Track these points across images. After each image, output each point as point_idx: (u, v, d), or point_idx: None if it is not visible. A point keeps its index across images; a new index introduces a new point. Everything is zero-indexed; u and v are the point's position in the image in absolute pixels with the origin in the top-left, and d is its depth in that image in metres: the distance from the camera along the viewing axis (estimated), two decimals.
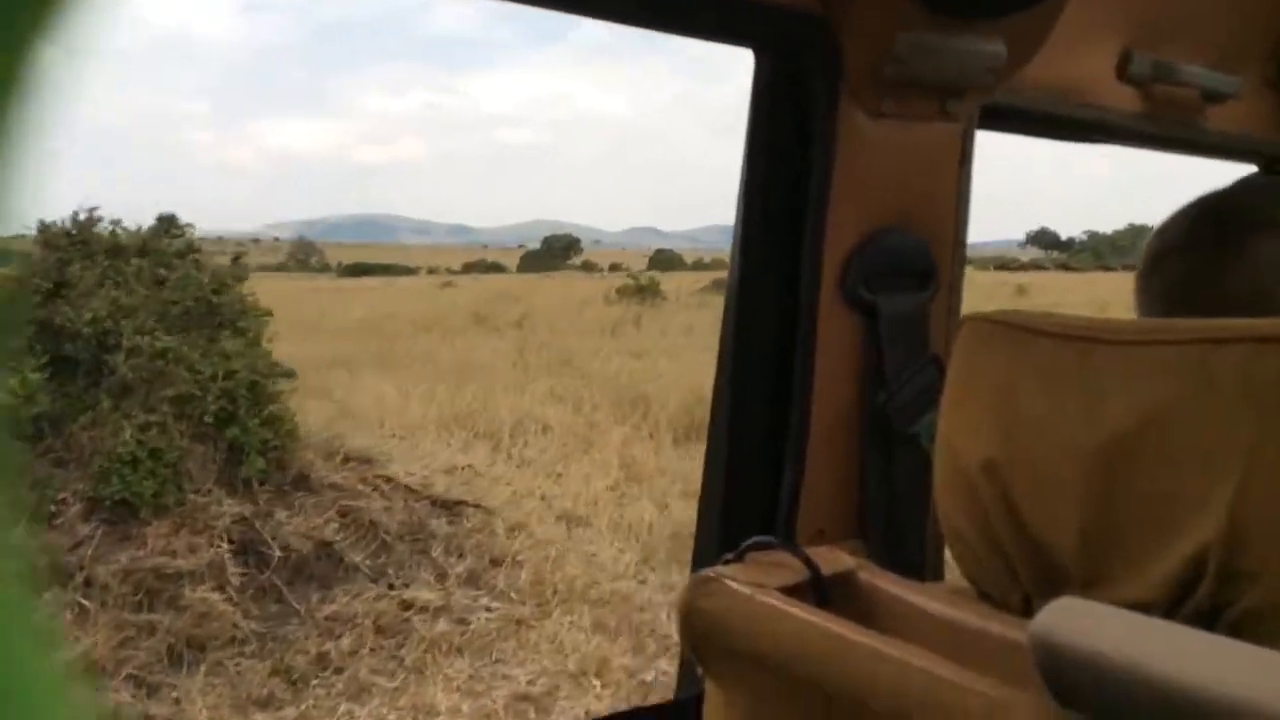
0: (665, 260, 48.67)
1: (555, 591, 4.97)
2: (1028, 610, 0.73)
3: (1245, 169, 1.56)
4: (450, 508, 5.39)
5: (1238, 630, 0.59)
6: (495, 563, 5.09)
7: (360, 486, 5.03)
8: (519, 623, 4.71)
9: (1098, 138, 1.41)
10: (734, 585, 0.78)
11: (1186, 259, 0.91)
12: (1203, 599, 0.64)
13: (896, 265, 1.21)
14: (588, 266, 55.60)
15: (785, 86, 1.16)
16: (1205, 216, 0.92)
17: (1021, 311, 0.78)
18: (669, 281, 24.38)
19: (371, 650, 4.35)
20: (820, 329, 1.18)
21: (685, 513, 6.08)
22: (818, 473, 1.20)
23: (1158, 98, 1.32)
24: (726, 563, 0.83)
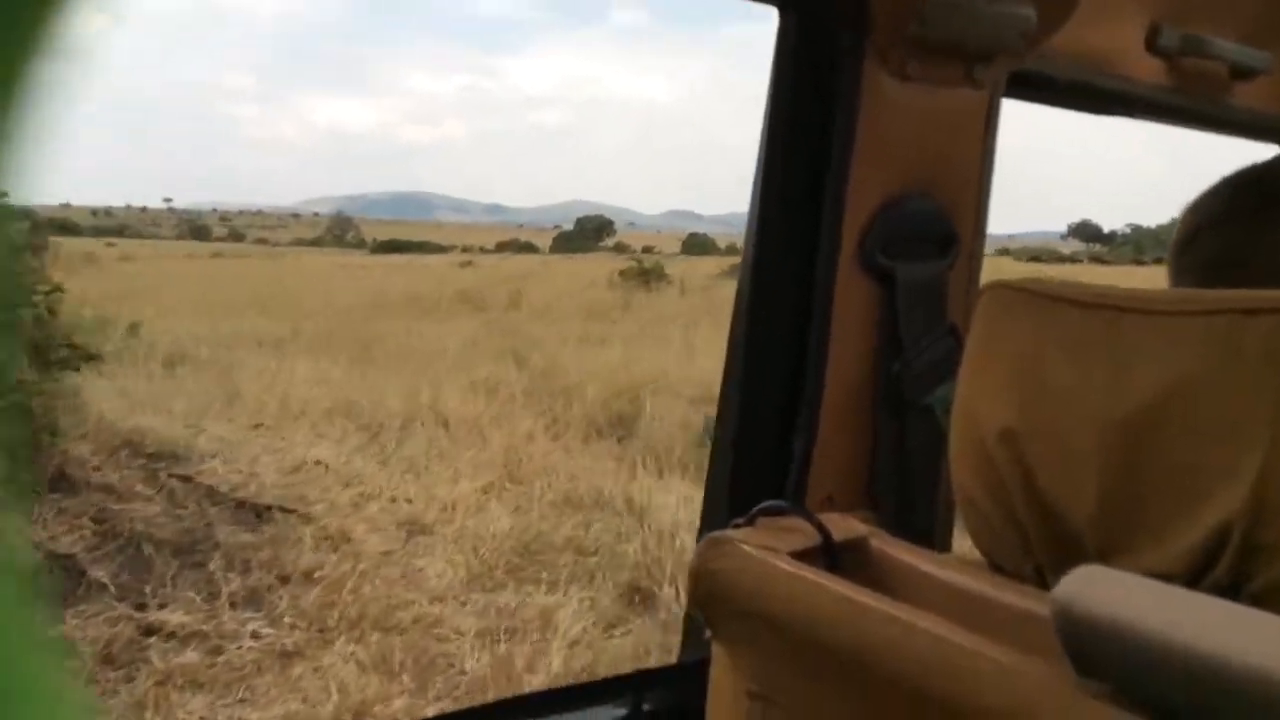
0: (698, 244, 48.23)
1: (344, 616, 4.33)
2: (1040, 581, 0.74)
3: (1267, 149, 1.55)
4: (260, 513, 4.79)
5: (1259, 604, 0.57)
6: (285, 579, 4.45)
7: (141, 488, 4.46)
8: (287, 653, 4.07)
9: (1123, 110, 1.39)
10: (746, 548, 0.78)
11: (1224, 232, 0.88)
12: (1223, 572, 0.63)
13: (917, 232, 1.18)
14: (620, 248, 55.63)
15: (809, 47, 1.13)
16: (1246, 189, 0.90)
17: (1045, 279, 0.76)
18: (686, 265, 23.99)
19: (90, 683, 3.74)
20: (837, 295, 1.16)
21: (548, 521, 5.40)
22: (829, 439, 1.18)
23: (1185, 71, 1.31)
24: (737, 526, 0.83)
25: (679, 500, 5.29)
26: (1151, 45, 1.26)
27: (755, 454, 1.21)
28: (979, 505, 0.78)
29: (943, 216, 1.20)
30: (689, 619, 1.28)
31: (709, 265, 26.81)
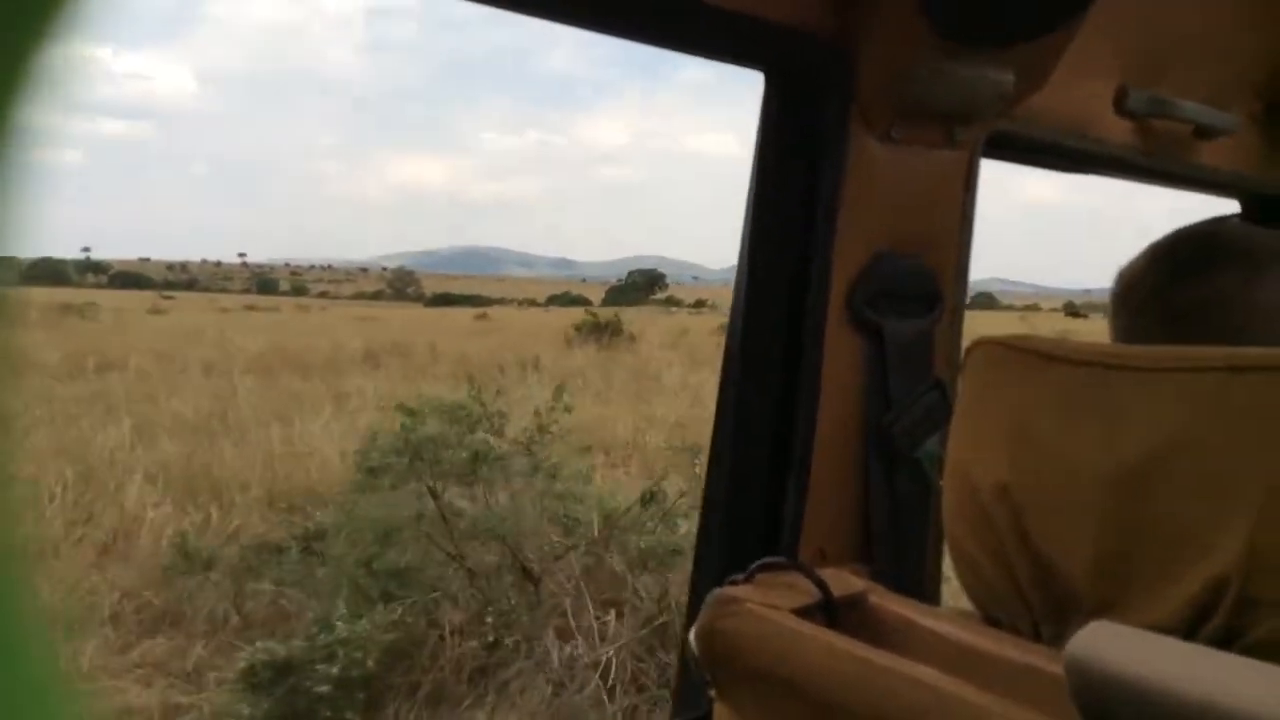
0: None
1: None
2: (1035, 634, 0.75)
3: (1226, 204, 1.61)
4: None
5: (1254, 656, 0.57)
6: None
7: None
8: None
9: (1094, 169, 1.43)
10: (753, 607, 0.78)
11: (1212, 280, 0.88)
12: (1217, 626, 0.65)
13: (902, 289, 1.21)
14: (671, 301, 55.68)
15: (795, 109, 1.15)
16: (1194, 246, 0.91)
17: (1033, 336, 0.79)
18: (680, 319, 23.13)
19: None
20: (826, 350, 1.18)
21: None
22: (820, 493, 1.19)
23: (1152, 131, 1.36)
24: (733, 583, 0.83)
25: None
26: (1120, 107, 1.31)
27: (746, 508, 1.20)
28: (973, 559, 0.79)
29: (927, 272, 1.22)
30: (681, 678, 1.27)
31: (705, 320, 26.15)
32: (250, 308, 41.02)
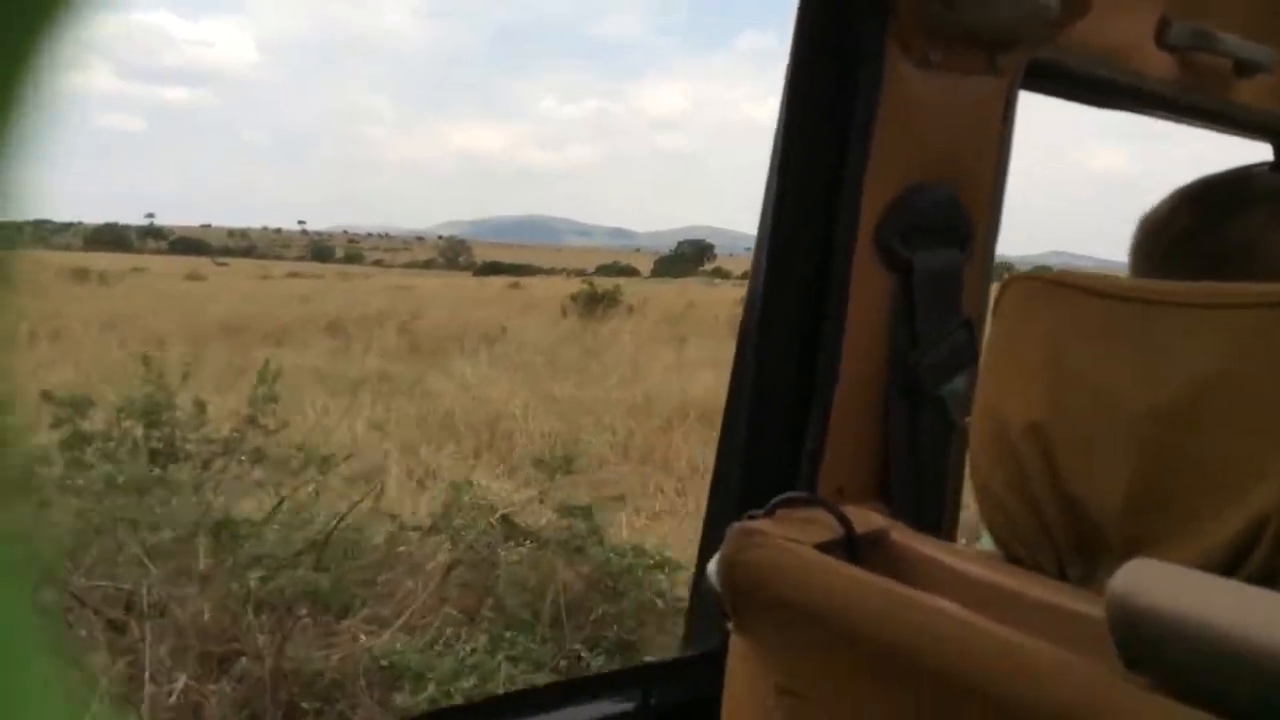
0: None
1: None
2: (1061, 574, 0.74)
3: (1263, 147, 1.54)
4: None
5: None
6: None
7: None
8: None
9: (1130, 105, 1.40)
10: (778, 540, 0.78)
11: (1238, 226, 0.87)
12: (1257, 566, 0.63)
13: (933, 222, 1.17)
14: (718, 273, 55.73)
15: (830, 32, 1.11)
16: (1224, 191, 0.90)
17: (1070, 271, 0.77)
18: (702, 292, 22.88)
19: None
20: (854, 284, 1.14)
21: None
22: (841, 430, 1.16)
23: (1192, 66, 1.31)
24: (753, 517, 0.83)
25: None
26: (1161, 39, 1.26)
27: (765, 443, 1.18)
28: (999, 497, 0.78)
29: (960, 207, 1.18)
30: (694, 611, 1.24)
31: (721, 293, 25.67)
32: (292, 274, 41.42)
